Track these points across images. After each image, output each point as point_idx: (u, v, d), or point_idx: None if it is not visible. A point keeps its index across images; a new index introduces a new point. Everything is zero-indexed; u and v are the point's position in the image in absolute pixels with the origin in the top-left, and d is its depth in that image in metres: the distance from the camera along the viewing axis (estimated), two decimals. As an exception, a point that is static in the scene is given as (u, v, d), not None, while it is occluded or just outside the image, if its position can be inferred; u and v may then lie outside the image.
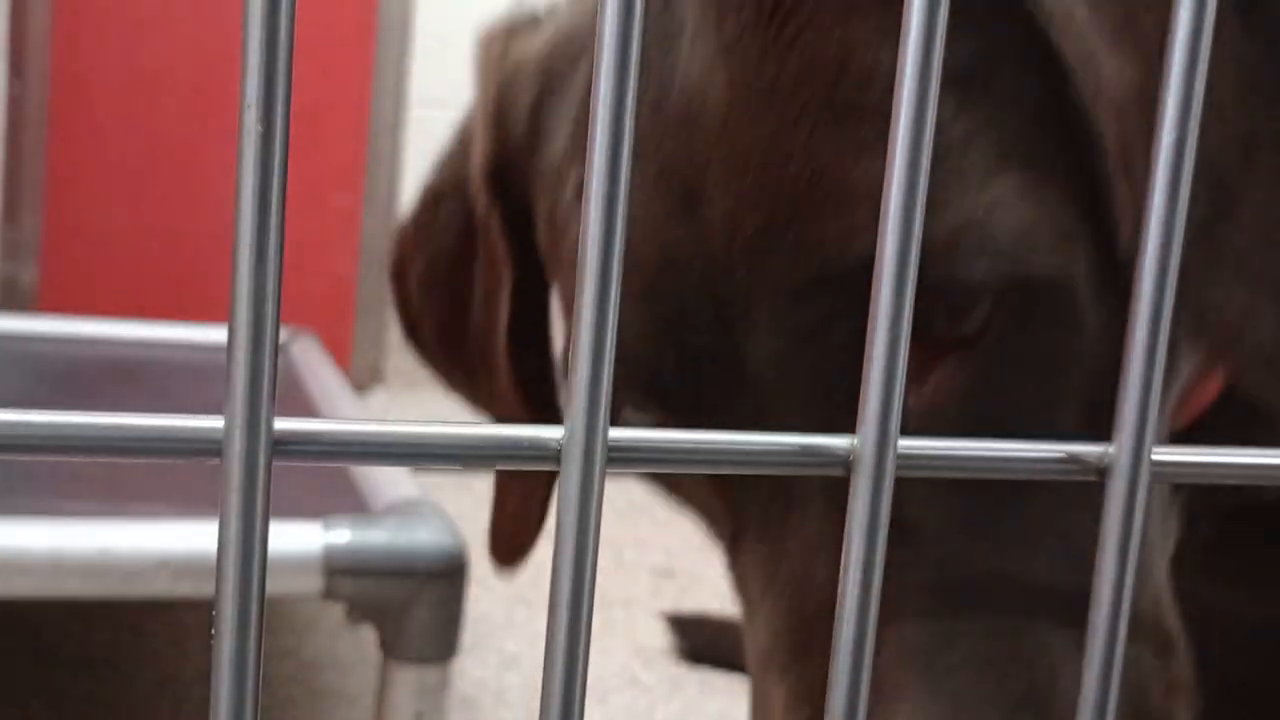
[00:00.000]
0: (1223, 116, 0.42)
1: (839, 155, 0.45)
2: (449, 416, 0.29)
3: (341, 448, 0.25)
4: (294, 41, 0.22)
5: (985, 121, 0.45)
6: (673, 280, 0.48)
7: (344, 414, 1.49)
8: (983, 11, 0.45)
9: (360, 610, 1.06)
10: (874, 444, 0.26)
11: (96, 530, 1.01)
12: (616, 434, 0.25)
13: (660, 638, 1.63)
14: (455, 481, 1.75)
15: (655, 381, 0.49)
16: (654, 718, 1.47)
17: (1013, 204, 0.44)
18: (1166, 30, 0.26)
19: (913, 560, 0.45)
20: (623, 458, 0.26)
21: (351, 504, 1.14)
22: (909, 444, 0.27)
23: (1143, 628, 0.47)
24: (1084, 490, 0.45)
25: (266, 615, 0.24)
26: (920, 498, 0.45)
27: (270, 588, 0.24)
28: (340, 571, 1.03)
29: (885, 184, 0.26)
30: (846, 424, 0.27)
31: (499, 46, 0.62)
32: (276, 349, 0.23)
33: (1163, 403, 0.38)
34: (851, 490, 0.26)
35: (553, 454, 0.25)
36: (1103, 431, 0.28)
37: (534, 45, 0.59)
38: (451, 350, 0.71)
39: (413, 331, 0.74)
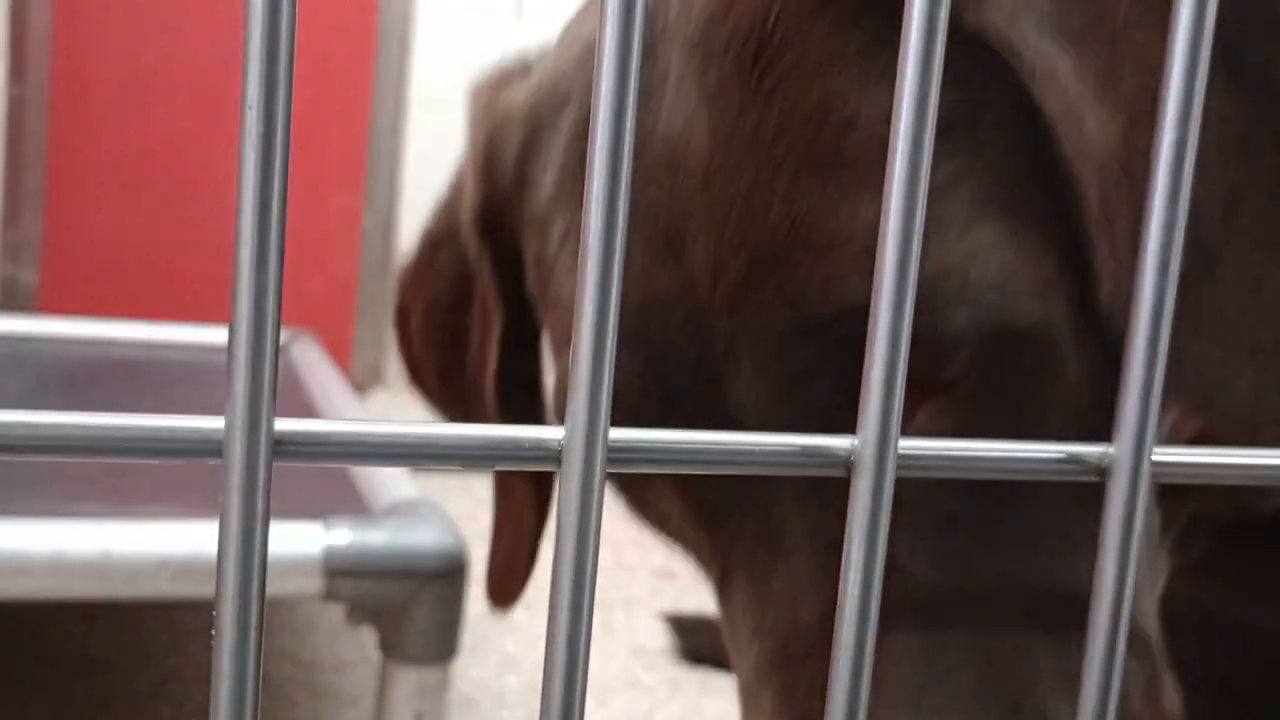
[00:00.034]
0: (1205, 174, 0.42)
1: (820, 203, 0.45)
2: (449, 417, 0.29)
3: (342, 448, 0.25)
4: (295, 43, 0.22)
5: (966, 169, 0.45)
6: (656, 324, 0.49)
7: (344, 415, 1.49)
8: (966, 63, 0.45)
9: (360, 611, 1.06)
10: (874, 444, 0.26)
11: (98, 531, 1.01)
12: (617, 434, 0.25)
13: (660, 639, 1.64)
14: (455, 482, 1.75)
15: (637, 423, 0.49)
16: (654, 718, 1.47)
17: (993, 252, 0.45)
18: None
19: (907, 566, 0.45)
20: (623, 458, 0.26)
21: (352, 505, 1.14)
22: (909, 444, 0.27)
23: None
24: (1073, 497, 0.45)
25: (266, 616, 0.24)
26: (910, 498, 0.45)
27: (270, 588, 0.24)
28: (340, 572, 1.03)
29: (886, 180, 0.26)
30: None
31: (488, 96, 0.63)
32: (277, 350, 0.23)
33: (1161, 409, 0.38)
34: (852, 491, 0.26)
35: (553, 454, 0.25)
36: None
37: (520, 94, 0.60)
38: (450, 391, 0.72)
39: (415, 373, 0.75)
